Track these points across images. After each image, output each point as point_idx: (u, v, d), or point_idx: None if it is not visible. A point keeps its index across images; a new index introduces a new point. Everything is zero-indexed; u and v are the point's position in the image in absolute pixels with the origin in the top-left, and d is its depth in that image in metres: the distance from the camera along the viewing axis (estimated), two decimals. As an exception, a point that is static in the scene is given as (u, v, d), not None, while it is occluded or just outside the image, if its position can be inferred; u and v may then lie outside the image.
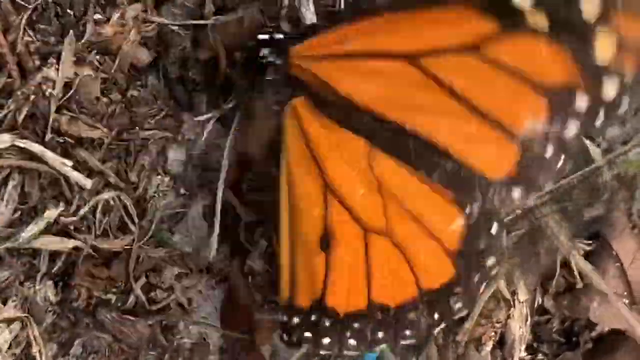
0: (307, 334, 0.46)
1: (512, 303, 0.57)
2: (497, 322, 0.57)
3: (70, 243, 0.52)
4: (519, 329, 0.58)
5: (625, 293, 0.56)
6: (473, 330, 0.57)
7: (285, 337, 0.47)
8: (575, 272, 0.55)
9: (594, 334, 0.58)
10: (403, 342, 0.46)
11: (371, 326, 0.46)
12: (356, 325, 0.45)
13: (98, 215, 0.52)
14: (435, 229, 0.45)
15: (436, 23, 0.44)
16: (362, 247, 0.45)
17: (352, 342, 0.45)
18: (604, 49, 0.39)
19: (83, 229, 0.52)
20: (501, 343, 0.58)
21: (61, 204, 0.52)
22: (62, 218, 0.52)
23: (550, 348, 0.60)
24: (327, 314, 0.45)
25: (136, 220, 0.52)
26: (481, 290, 0.47)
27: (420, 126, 0.44)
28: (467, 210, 0.44)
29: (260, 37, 0.47)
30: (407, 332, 0.45)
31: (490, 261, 0.45)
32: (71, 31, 0.51)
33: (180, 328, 0.53)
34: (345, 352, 0.46)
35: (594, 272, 0.55)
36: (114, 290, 0.53)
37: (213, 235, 0.51)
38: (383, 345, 0.50)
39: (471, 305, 0.50)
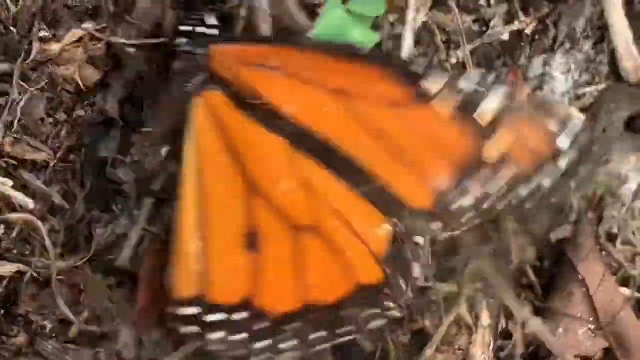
0: (233, 337, 0.45)
1: (474, 328, 0.56)
2: (459, 349, 0.57)
3: (11, 267, 0.52)
4: (481, 354, 0.57)
5: (591, 318, 0.55)
6: (433, 357, 0.56)
7: (197, 335, 0.46)
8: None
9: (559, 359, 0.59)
10: (341, 340, 0.46)
11: (308, 326, 0.46)
12: (291, 326, 0.45)
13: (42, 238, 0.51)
14: (362, 231, 0.46)
15: (364, 73, 0.47)
16: (291, 245, 0.46)
17: (289, 344, 0.45)
18: (496, 143, 0.45)
19: (27, 252, 0.52)
20: None
21: (2, 226, 0.52)
22: (2, 242, 0.52)
23: None
24: (257, 315, 0.45)
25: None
26: (409, 294, 0.48)
27: (346, 145, 0.46)
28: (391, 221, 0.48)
29: (181, 27, 0.49)
30: (344, 330, 0.46)
31: (416, 269, 0.46)
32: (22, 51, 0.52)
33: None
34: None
35: (544, 332, 0.54)
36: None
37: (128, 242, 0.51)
38: None
39: (402, 309, 0.49)
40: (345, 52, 0.50)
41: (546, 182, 0.47)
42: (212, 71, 0.48)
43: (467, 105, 0.46)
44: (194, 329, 0.46)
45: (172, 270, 0.46)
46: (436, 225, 0.47)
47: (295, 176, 0.47)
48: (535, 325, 0.55)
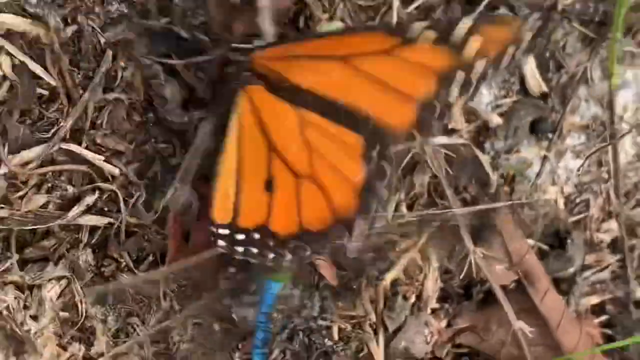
0: (253, 249, 0.55)
1: (427, 269, 0.67)
2: (417, 282, 0.68)
3: (105, 220, 0.62)
4: (432, 286, 0.68)
5: (507, 259, 0.66)
6: (401, 288, 0.67)
7: (228, 247, 0.55)
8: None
9: (484, 288, 0.69)
10: (322, 255, 0.58)
11: (302, 245, 0.55)
12: (292, 244, 0.55)
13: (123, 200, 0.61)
14: (346, 170, 0.56)
15: (360, 39, 0.55)
16: (294, 188, 0.56)
17: (289, 257, 0.55)
18: (470, 49, 0.53)
19: (114, 210, 0.62)
20: (419, 296, 0.68)
21: (97, 192, 0.61)
22: (97, 203, 0.62)
23: (453, 299, 0.70)
24: (269, 236, 0.55)
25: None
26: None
27: (345, 96, 0.55)
28: (370, 154, 0.56)
29: (234, 45, 0.57)
30: (325, 249, 0.56)
31: (383, 194, 0.57)
32: (103, 69, 0.60)
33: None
34: (284, 265, 0.56)
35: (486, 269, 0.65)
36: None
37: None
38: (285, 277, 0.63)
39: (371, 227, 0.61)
40: (349, 30, 0.60)
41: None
42: (253, 71, 0.57)
43: (444, 34, 0.54)
44: (225, 243, 0.55)
45: (214, 204, 0.55)
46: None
47: (301, 139, 0.56)
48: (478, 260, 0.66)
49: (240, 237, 0.55)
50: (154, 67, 0.60)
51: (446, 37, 0.54)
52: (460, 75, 0.54)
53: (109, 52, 0.60)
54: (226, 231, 0.55)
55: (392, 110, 0.57)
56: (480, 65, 0.54)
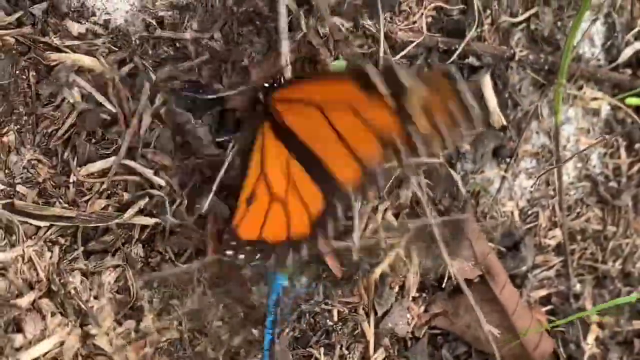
0: (258, 255, 0.60)
1: (409, 265, 0.72)
2: (401, 275, 0.73)
3: (153, 221, 0.67)
4: (413, 278, 0.73)
5: (473, 258, 0.72)
6: (388, 279, 0.72)
7: (236, 254, 0.59)
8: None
9: (454, 281, 0.72)
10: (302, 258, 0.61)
11: (291, 249, 0.61)
12: (251, 249, 0.60)
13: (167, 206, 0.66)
14: (309, 202, 0.61)
15: (335, 87, 0.58)
16: (281, 207, 0.61)
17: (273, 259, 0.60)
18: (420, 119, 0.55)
19: (161, 213, 0.67)
20: (402, 287, 0.73)
21: (147, 197, 0.67)
22: (147, 207, 0.67)
23: (429, 289, 0.75)
24: (237, 239, 0.59)
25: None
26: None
27: (315, 147, 0.59)
28: (328, 199, 0.60)
29: (265, 84, 0.62)
30: (304, 253, 0.61)
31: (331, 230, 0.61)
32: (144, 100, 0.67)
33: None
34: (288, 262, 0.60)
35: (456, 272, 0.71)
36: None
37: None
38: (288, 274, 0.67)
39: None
40: (324, 75, 0.63)
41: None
42: (267, 109, 0.61)
43: (399, 95, 0.54)
44: (232, 252, 0.60)
45: (236, 215, 0.60)
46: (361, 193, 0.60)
47: (287, 170, 0.60)
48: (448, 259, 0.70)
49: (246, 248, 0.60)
50: (184, 115, 0.66)
51: (400, 99, 0.54)
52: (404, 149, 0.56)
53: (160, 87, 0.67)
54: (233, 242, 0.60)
55: (344, 167, 0.59)
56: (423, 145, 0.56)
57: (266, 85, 0.62)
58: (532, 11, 0.76)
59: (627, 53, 0.80)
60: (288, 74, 0.66)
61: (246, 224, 0.60)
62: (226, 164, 0.65)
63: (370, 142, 0.57)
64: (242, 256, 0.60)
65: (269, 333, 0.67)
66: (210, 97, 0.66)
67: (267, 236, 0.60)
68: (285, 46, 0.66)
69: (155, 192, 0.68)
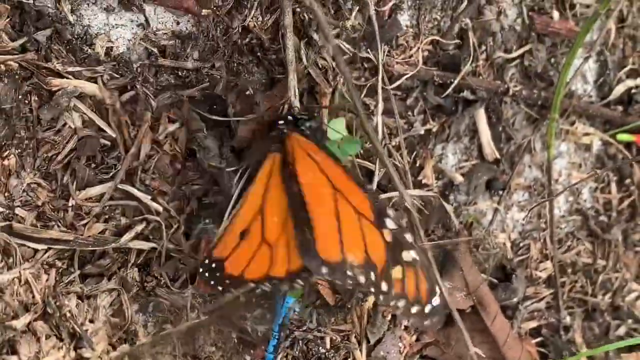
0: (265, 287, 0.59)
1: None
2: None
3: (149, 245, 0.67)
4: None
5: (465, 289, 0.72)
6: (380, 308, 0.71)
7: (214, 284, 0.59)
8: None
9: (447, 311, 0.66)
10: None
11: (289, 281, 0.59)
12: (231, 282, 0.60)
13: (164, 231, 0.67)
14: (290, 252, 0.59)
15: (350, 186, 0.59)
16: (256, 245, 0.59)
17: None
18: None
19: (157, 238, 0.67)
20: (395, 316, 0.72)
21: (144, 222, 0.67)
22: (144, 231, 0.67)
23: None
24: (241, 281, 0.59)
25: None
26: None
27: (313, 209, 0.58)
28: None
29: (289, 116, 0.62)
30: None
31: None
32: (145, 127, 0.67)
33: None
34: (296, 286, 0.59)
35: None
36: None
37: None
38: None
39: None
40: (354, 176, 0.61)
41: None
42: (283, 144, 0.61)
43: (396, 248, 0.56)
44: (206, 276, 0.60)
45: (219, 242, 0.60)
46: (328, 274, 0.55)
47: (281, 213, 0.59)
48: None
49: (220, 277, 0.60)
50: (200, 123, 0.66)
51: (396, 249, 0.56)
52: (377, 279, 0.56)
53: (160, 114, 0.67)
54: (214, 268, 0.60)
55: (329, 246, 0.57)
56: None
57: (289, 117, 0.63)
58: (526, 48, 0.76)
59: (618, 90, 0.81)
60: (297, 104, 0.66)
61: (233, 260, 0.60)
62: (235, 195, 0.66)
63: (358, 246, 0.57)
64: (219, 287, 0.60)
65: (271, 357, 0.67)
66: (222, 119, 0.66)
67: (249, 274, 0.60)
68: (293, 78, 0.66)
69: (152, 217, 0.68)
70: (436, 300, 0.57)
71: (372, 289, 0.56)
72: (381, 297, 0.56)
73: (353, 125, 0.69)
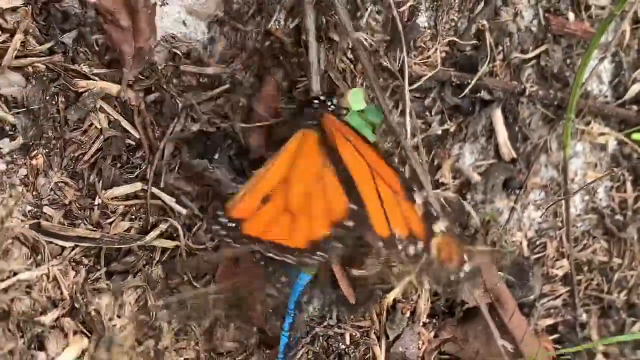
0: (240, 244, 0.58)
1: (420, 291, 0.72)
2: (412, 301, 0.72)
3: (174, 243, 0.68)
4: (424, 305, 0.72)
5: (483, 286, 0.71)
6: (400, 305, 0.71)
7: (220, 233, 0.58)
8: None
9: (464, 308, 0.74)
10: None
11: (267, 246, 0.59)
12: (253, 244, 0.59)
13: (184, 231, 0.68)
14: (317, 222, 0.59)
15: (386, 168, 0.60)
16: (277, 213, 0.60)
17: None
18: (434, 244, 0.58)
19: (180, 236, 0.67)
20: (413, 312, 0.72)
21: (169, 221, 0.68)
22: (168, 230, 0.68)
23: (440, 316, 0.75)
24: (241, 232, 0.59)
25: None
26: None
27: (360, 181, 0.59)
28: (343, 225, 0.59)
29: (322, 97, 0.63)
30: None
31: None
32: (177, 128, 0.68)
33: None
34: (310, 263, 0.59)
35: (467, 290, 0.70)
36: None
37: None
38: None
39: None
40: (387, 158, 0.63)
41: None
42: (318, 122, 0.62)
43: (429, 218, 0.58)
44: (223, 233, 0.58)
45: (238, 197, 0.59)
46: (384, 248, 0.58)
47: (306, 186, 0.60)
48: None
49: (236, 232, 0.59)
50: (200, 163, 0.67)
51: (429, 220, 0.58)
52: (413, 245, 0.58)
53: (182, 114, 0.68)
54: (231, 223, 0.59)
55: (378, 218, 0.59)
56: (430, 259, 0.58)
57: (322, 98, 0.64)
58: (543, 48, 0.75)
59: (634, 90, 0.80)
60: (316, 88, 0.66)
61: (253, 222, 0.59)
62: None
63: (400, 221, 0.59)
64: (235, 244, 0.59)
65: (285, 336, 0.67)
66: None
67: (267, 237, 0.60)
68: (316, 81, 0.66)
69: (172, 221, 0.69)
70: (468, 267, 0.59)
71: (420, 260, 0.58)
72: (428, 268, 0.59)
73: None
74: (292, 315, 0.66)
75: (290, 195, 0.60)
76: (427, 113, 0.74)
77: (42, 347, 0.63)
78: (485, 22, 0.73)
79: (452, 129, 0.74)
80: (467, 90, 0.72)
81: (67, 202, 0.66)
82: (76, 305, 0.64)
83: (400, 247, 0.58)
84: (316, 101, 0.63)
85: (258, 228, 0.59)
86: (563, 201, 0.77)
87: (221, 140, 0.69)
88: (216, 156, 0.68)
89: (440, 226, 0.58)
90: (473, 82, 0.72)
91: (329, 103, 0.63)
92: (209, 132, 0.68)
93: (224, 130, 0.68)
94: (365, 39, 0.68)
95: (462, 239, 0.60)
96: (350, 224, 0.59)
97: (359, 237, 0.60)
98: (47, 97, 0.65)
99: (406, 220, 0.59)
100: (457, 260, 0.59)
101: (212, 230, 0.59)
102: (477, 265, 0.59)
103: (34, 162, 0.64)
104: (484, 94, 0.73)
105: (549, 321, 0.79)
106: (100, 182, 0.67)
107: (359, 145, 0.61)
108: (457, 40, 0.73)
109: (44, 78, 0.65)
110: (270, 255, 0.59)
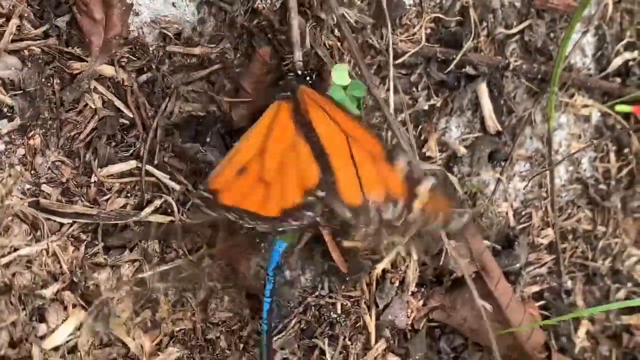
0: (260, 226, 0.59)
1: (409, 261, 0.73)
2: (401, 271, 0.73)
3: (168, 218, 0.68)
4: (412, 274, 0.73)
5: (469, 255, 0.72)
6: (389, 275, 0.72)
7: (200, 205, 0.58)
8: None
9: (452, 277, 0.74)
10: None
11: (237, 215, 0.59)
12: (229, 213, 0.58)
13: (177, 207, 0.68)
14: (290, 190, 0.60)
15: (363, 133, 0.62)
16: (252, 182, 0.60)
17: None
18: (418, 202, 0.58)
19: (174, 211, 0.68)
20: (402, 282, 0.73)
21: (163, 197, 0.68)
22: (163, 205, 0.68)
23: (428, 284, 0.75)
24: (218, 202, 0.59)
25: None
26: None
27: (333, 154, 0.60)
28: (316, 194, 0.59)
29: (299, 70, 0.64)
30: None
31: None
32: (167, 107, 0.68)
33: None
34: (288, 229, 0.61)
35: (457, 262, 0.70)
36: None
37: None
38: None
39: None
40: (362, 122, 0.64)
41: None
42: (293, 94, 0.62)
43: (412, 180, 0.58)
44: (199, 203, 0.59)
45: (218, 169, 0.60)
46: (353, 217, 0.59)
47: (285, 152, 0.60)
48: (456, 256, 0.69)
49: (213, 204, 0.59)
50: (192, 147, 0.67)
51: (412, 182, 0.59)
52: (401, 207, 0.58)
53: (173, 94, 0.68)
54: (210, 196, 0.59)
55: (351, 186, 0.59)
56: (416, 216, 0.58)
57: (299, 72, 0.64)
58: (526, 23, 0.76)
59: (616, 62, 0.80)
60: (298, 57, 0.66)
61: (228, 193, 0.60)
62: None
63: (377, 185, 0.59)
64: (211, 213, 0.60)
65: (267, 302, 0.67)
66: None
67: (243, 207, 0.60)
68: (298, 56, 0.66)
69: (167, 197, 0.69)
70: (455, 223, 0.60)
71: (400, 221, 0.58)
72: (409, 226, 0.59)
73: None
74: (271, 281, 0.66)
75: (265, 164, 0.60)
76: (414, 89, 0.74)
77: (42, 319, 0.65)
78: (469, -2, 0.72)
79: (438, 104, 0.75)
80: (452, 66, 0.73)
81: (64, 180, 0.67)
82: (75, 279, 0.66)
83: (374, 212, 0.58)
84: (291, 74, 0.64)
85: (234, 197, 0.59)
86: (548, 172, 0.78)
87: (212, 123, 0.69)
88: (208, 139, 0.69)
89: (425, 186, 0.58)
90: (458, 57, 0.73)
91: (307, 77, 0.64)
92: (200, 115, 0.69)
93: (214, 113, 0.69)
94: (350, 15, 0.68)
95: (451, 195, 0.60)
96: (321, 193, 0.59)
97: (329, 206, 0.59)
98: (43, 79, 0.66)
99: (385, 182, 0.59)
100: (444, 216, 0.59)
101: (193, 203, 0.60)
102: (463, 223, 0.59)
103: (31, 142, 0.65)
104: (469, 69, 0.74)
105: (535, 288, 0.80)
106: (96, 160, 0.68)
107: (335, 115, 0.61)
108: (442, 16, 0.73)
109: (40, 61, 0.65)
110: (243, 223, 0.59)
